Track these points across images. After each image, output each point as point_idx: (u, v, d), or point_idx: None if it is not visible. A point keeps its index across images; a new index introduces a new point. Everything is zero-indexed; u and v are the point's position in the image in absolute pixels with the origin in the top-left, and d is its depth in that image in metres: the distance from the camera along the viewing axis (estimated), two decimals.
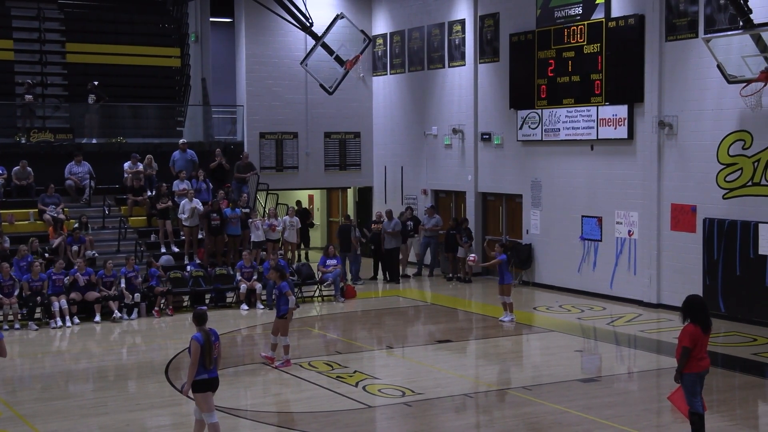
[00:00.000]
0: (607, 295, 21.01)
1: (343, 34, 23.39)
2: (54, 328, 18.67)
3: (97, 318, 19.25)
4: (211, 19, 28.53)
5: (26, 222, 21.93)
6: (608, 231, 21.12)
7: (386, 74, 28.23)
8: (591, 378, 14.43)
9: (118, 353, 16.93)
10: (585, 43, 21.23)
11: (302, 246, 26.88)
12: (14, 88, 25.39)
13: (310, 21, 22.07)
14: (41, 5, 26.74)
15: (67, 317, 18.92)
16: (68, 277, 19.35)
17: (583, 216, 21.77)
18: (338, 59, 22.43)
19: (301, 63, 23.64)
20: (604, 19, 20.78)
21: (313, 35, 22.46)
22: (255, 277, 20.88)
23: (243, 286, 20.61)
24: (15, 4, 26.57)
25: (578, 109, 21.47)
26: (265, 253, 21.97)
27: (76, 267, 19.63)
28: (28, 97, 24.23)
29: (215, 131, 27.62)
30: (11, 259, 19.76)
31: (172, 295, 20.30)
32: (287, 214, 23.80)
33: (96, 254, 21.13)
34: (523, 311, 19.82)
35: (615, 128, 20.60)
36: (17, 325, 18.58)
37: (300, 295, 21.26)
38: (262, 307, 20.49)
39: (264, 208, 25.65)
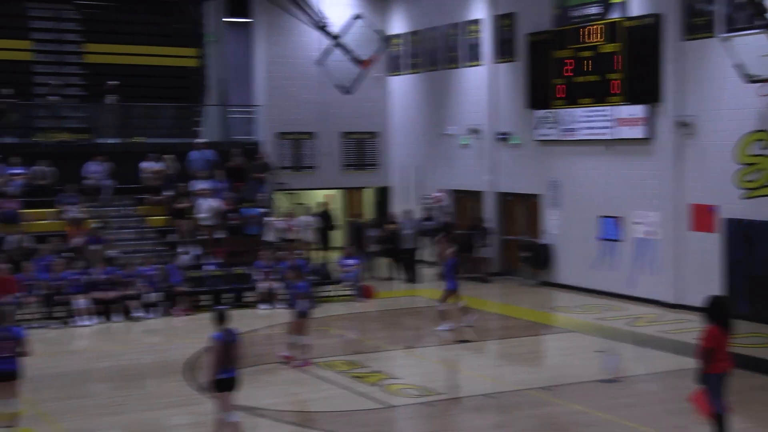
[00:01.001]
0: (626, 295, 20.94)
1: (360, 34, 23.41)
2: (74, 327, 18.78)
3: (117, 317, 19.35)
4: (227, 20, 28.60)
5: (46, 221, 22.05)
6: (627, 231, 21.05)
7: (403, 74, 28.24)
8: (611, 378, 14.39)
9: (138, 352, 17.00)
10: (602, 42, 21.17)
11: (322, 246, 26.90)
12: (33, 88, 25.54)
13: (325, 21, 22.11)
14: (59, 6, 26.86)
15: (87, 316, 19.03)
16: (88, 277, 19.45)
17: (601, 216, 21.71)
18: (355, 59, 22.46)
19: (318, 63, 23.68)
20: (621, 19, 20.72)
21: (330, 35, 22.50)
22: (273, 276, 20.93)
23: (261, 286, 20.66)
24: (33, 5, 26.70)
25: (595, 109, 21.41)
26: (283, 252, 22.01)
27: (95, 266, 19.73)
28: (54, 98, 24.41)
29: (233, 131, 27.70)
30: (32, 259, 19.89)
31: (191, 295, 20.38)
32: (305, 214, 23.84)
33: (115, 253, 21.22)
34: (542, 311, 19.76)
35: (633, 128, 20.53)
36: (38, 324, 18.69)
37: (319, 294, 21.28)
38: (280, 306, 20.52)
39: (282, 208, 25.70)
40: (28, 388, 11.82)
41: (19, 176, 22.65)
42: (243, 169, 25.12)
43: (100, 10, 28.36)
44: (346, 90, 22.74)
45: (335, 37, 22.42)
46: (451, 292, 17.78)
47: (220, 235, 22.63)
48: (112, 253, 21.08)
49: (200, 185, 23.52)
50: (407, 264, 24.47)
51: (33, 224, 21.65)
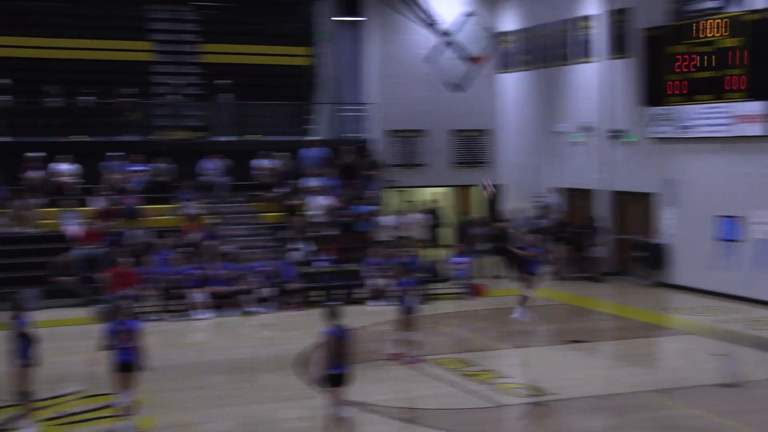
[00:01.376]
0: (745, 297, 20.28)
1: (471, 32, 23.32)
2: (190, 320, 19.29)
3: (231, 311, 19.77)
4: (337, 19, 28.90)
5: (164, 217, 22.70)
6: (746, 231, 20.38)
7: (513, 71, 28.00)
8: (729, 383, 13.96)
9: (251, 346, 17.32)
10: (722, 37, 20.52)
11: (432, 243, 26.91)
12: (153, 88, 26.35)
13: (436, 19, 22.11)
14: (178, 8, 27.65)
15: (203, 310, 19.51)
16: (204, 271, 19.94)
17: (718, 216, 21.08)
18: (467, 57, 22.40)
19: (429, 61, 23.70)
20: (743, 12, 20.05)
21: (441, 33, 22.49)
22: (383, 273, 21.03)
23: (371, 282, 20.80)
24: (153, 8, 27.54)
25: (713, 105, 20.78)
26: (393, 249, 22.10)
27: (211, 261, 20.20)
28: (172, 97, 25.16)
29: (344, 129, 27.97)
30: (151, 253, 20.51)
31: (303, 290, 20.67)
32: (414, 211, 23.89)
33: (230, 249, 21.69)
34: (657, 312, 19.31)
35: (753, 125, 19.85)
36: (156, 317, 19.27)
37: (428, 292, 21.30)
38: (389, 303, 20.60)
39: (392, 205, 25.82)
40: (146, 379, 12.17)
41: (139, 173, 23.41)
42: (354, 166, 25.34)
43: (217, 11, 29.05)
44: (457, 87, 22.71)
45: (446, 35, 22.41)
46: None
47: (331, 231, 22.88)
48: (227, 248, 21.56)
49: (312, 182, 23.84)
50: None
51: (152, 220, 22.33)
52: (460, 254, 22.19)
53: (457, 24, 22.95)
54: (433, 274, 21.98)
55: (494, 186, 21.04)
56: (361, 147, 26.56)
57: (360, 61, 28.47)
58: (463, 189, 30.61)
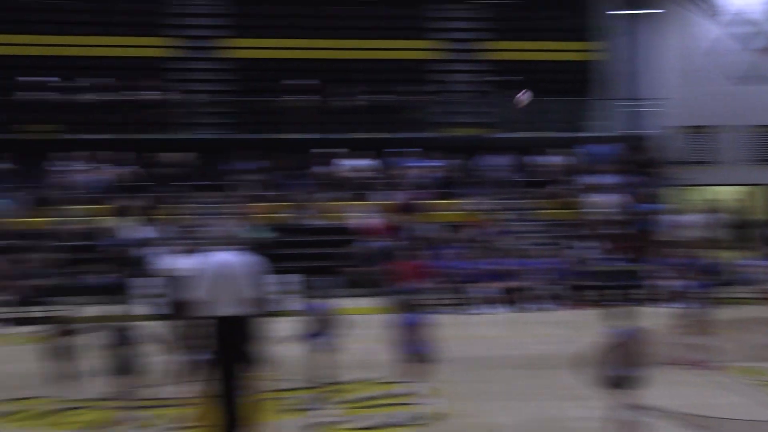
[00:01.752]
0: None
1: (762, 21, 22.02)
2: (476, 314, 19.71)
3: (517, 307, 19.98)
4: (622, 12, 28.28)
5: (454, 212, 23.31)
6: None
7: None
8: None
9: (536, 343, 17.43)
10: None
11: (727, 245, 25.72)
12: (444, 85, 27.17)
13: (728, 11, 21.09)
14: (467, 6, 28.30)
15: (490, 304, 19.87)
16: (491, 266, 20.30)
17: None
18: (761, 47, 21.21)
19: (719, 53, 22.64)
20: None
21: (733, 23, 21.42)
22: (671, 274, 20.39)
23: (658, 283, 20.25)
24: (441, 6, 28.37)
25: None
26: (682, 250, 21.37)
27: (498, 256, 20.54)
28: (464, 94, 25.92)
29: (631, 125, 27.35)
30: (440, 247, 21.17)
31: (587, 289, 20.50)
32: (706, 211, 22.94)
33: (517, 244, 21.92)
34: None
35: None
36: (443, 311, 19.87)
37: (723, 296, 20.35)
38: (679, 305, 19.93)
39: (681, 204, 24.95)
40: (435, 370, 12.61)
41: (431, 169, 24.22)
42: (640, 163, 24.74)
43: (504, 8, 29.41)
44: (754, 81, 21.52)
45: (738, 25, 21.30)
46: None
47: (615, 230, 22.50)
48: (514, 244, 21.80)
49: (596, 179, 23.54)
50: None
51: (441, 214, 23.02)
52: (759, 257, 21.03)
53: (747, 13, 21.74)
54: (728, 278, 21.01)
55: None
56: (648, 143, 25.85)
57: (647, 55, 27.70)
58: (764, 188, 28.94)
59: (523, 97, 19.26)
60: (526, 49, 28.00)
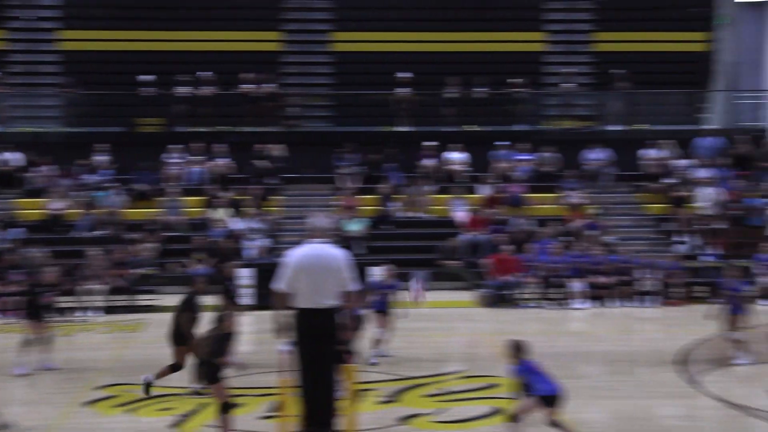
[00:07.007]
0: None
1: None
2: (568, 309, 19.38)
3: (611, 303, 19.56)
4: (738, 1, 27.35)
5: (548, 206, 22.96)
6: None
7: None
8: None
9: (631, 339, 17.02)
10: None
11: None
12: (543, 78, 26.83)
13: None
14: None
15: (582, 299, 19.51)
16: (585, 261, 19.92)
17: None
18: None
19: None
20: None
21: None
22: None
23: (763, 280, 19.50)
24: None
25: None
26: None
27: (592, 251, 20.13)
28: (564, 86, 25.53)
29: (741, 117, 26.45)
30: (533, 241, 20.88)
31: (688, 285, 19.91)
32: None
33: (613, 239, 21.46)
34: None
35: None
36: (535, 304, 19.60)
37: None
38: None
39: None
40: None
41: (525, 162, 23.90)
42: (749, 157, 23.89)
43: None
44: None
45: None
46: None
47: (719, 225, 21.77)
48: (609, 239, 21.33)
49: (703, 173, 22.84)
50: None
51: (535, 208, 22.69)
52: None
53: None
54: None
55: None
56: (758, 136, 24.93)
57: (764, 46, 26.72)
58: None
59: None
60: (635, 40, 27.37)
